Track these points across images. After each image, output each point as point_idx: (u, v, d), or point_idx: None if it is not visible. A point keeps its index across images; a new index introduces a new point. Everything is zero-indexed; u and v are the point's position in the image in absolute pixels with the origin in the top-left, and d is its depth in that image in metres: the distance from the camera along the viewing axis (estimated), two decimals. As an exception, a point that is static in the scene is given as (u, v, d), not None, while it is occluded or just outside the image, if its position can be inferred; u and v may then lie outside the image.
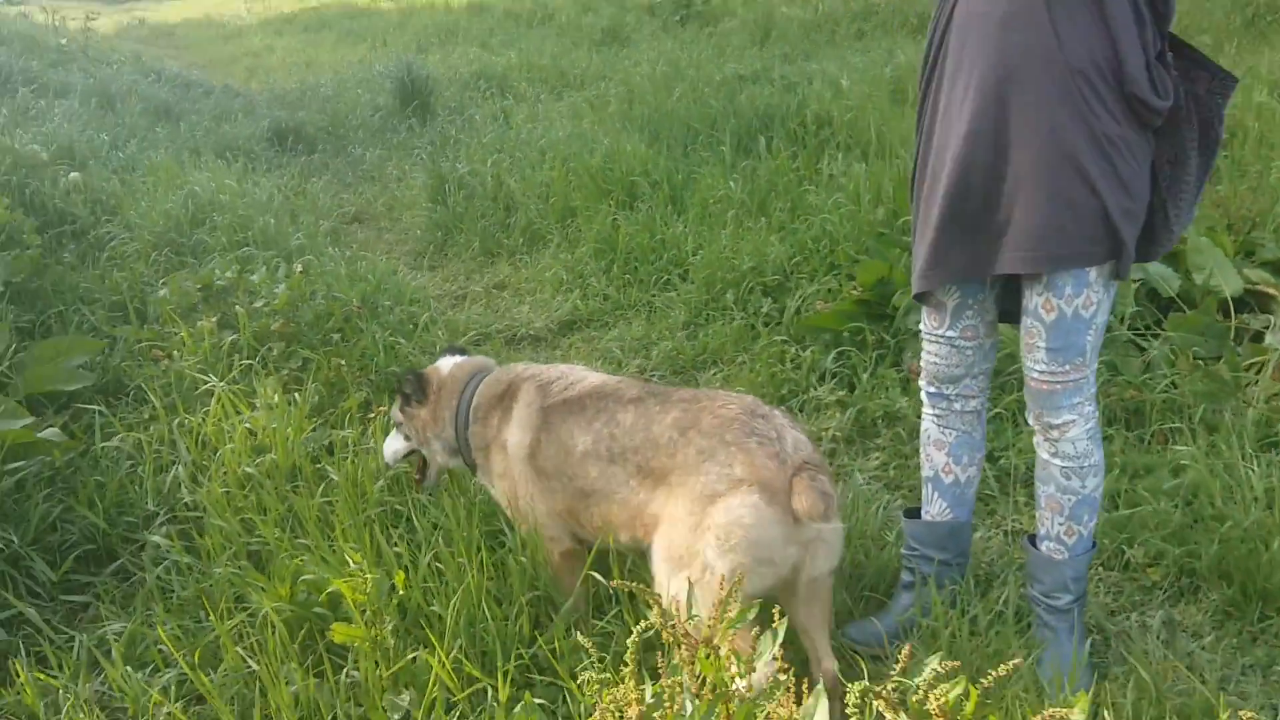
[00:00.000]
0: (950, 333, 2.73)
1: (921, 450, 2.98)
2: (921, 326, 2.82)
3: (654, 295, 5.54)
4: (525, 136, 8.30)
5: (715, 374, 4.67)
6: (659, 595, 2.23)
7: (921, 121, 2.65)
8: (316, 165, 8.87)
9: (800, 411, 4.26)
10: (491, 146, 8.15)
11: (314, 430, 3.70)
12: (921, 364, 2.88)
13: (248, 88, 12.99)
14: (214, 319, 4.31)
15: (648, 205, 6.34)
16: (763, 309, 5.04)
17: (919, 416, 4.08)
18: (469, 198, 7.08)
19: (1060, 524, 2.75)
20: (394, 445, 3.24)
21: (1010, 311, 2.76)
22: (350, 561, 2.78)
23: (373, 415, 3.79)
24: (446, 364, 3.17)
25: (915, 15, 12.48)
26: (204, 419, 3.71)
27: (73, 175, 6.80)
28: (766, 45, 12.06)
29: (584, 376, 2.90)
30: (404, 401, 3.13)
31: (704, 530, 2.35)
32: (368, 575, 2.57)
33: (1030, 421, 2.73)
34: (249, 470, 3.37)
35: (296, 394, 3.98)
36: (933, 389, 2.87)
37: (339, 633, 2.55)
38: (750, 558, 2.31)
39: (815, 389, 4.37)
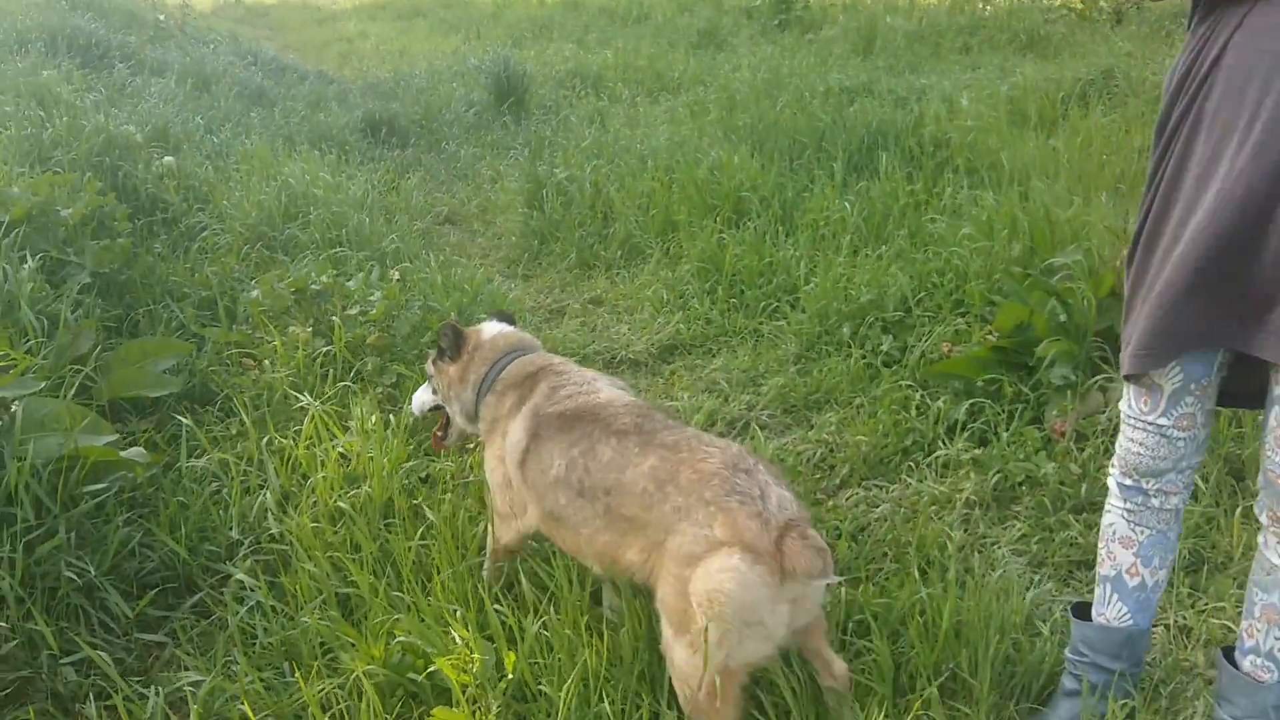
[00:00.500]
0: (1163, 420, 2.37)
1: (1102, 544, 2.61)
2: (1124, 409, 2.46)
3: (761, 322, 5.20)
4: (624, 142, 8.01)
5: (830, 416, 4.32)
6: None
7: (1160, 171, 2.27)
8: (410, 160, 8.67)
9: (929, 469, 3.90)
10: (589, 151, 7.88)
11: (410, 460, 3.43)
12: (1118, 452, 2.50)
13: (341, 75, 12.90)
14: (308, 327, 4.06)
15: (756, 224, 6.00)
16: (882, 346, 4.67)
17: (1063, 483, 3.77)
18: (566, 205, 6.80)
19: (1276, 639, 2.36)
20: (423, 396, 3.21)
21: (1228, 394, 2.39)
22: (451, 627, 2.49)
23: (471, 445, 3.51)
24: (491, 329, 3.09)
25: (1024, 32, 11.97)
26: (295, 439, 3.46)
27: (167, 160, 6.66)
28: (869, 56, 11.63)
29: (595, 390, 2.78)
30: (438, 354, 3.05)
31: (690, 596, 2.25)
32: (474, 655, 2.28)
33: (1262, 518, 2.34)
34: (341, 505, 3.11)
35: (391, 415, 3.72)
36: (1128, 481, 2.50)
37: (441, 718, 2.27)
38: (738, 623, 2.21)
39: (945, 444, 4.01)
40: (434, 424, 3.31)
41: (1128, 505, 2.51)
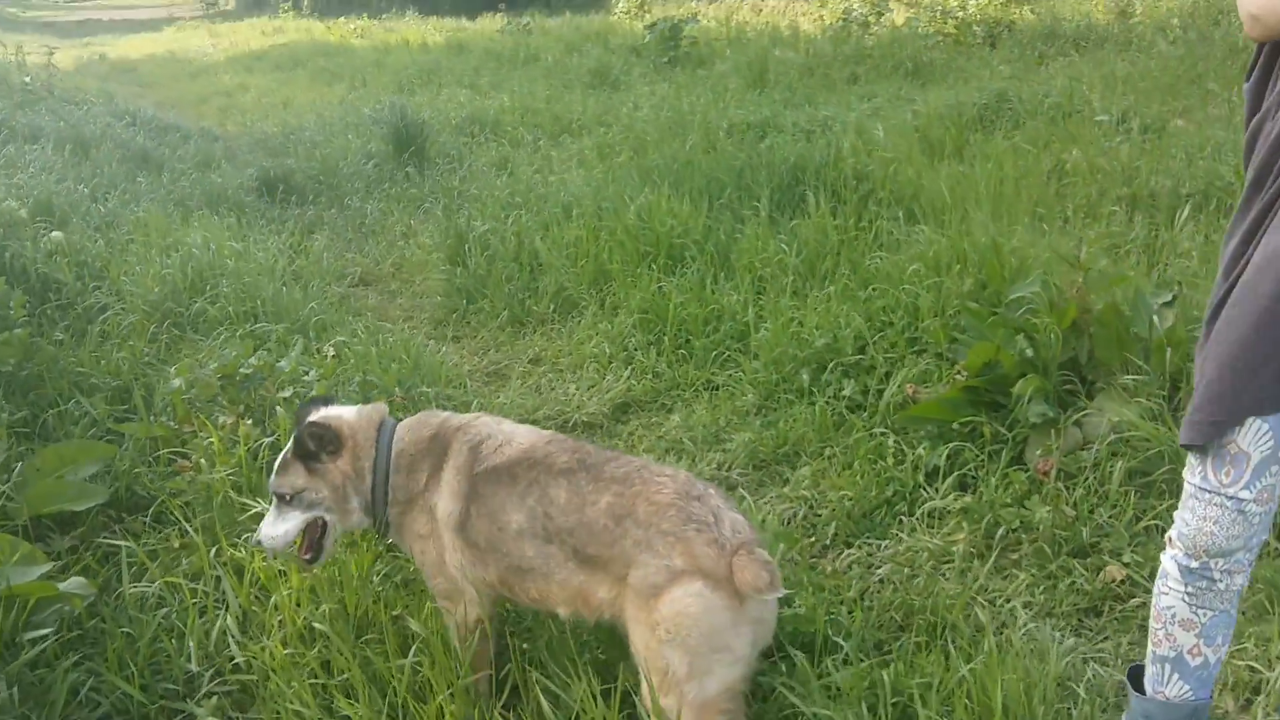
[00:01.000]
0: (1244, 493, 2.16)
1: (1159, 625, 2.41)
2: (1195, 482, 2.24)
3: (714, 373, 5.03)
4: (541, 189, 7.79)
5: (804, 470, 4.16)
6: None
7: (1242, 230, 2.12)
8: (313, 219, 8.27)
9: (915, 520, 3.76)
10: (505, 200, 7.63)
11: (378, 563, 3.13)
12: (1182, 530, 2.29)
13: (226, 131, 12.37)
14: (243, 417, 3.72)
15: (692, 269, 5.84)
16: (844, 391, 4.55)
17: (1057, 527, 3.67)
18: (490, 259, 6.54)
19: None
20: (283, 525, 2.70)
21: None
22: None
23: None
24: (345, 411, 2.84)
25: (908, 59, 12.22)
26: (249, 550, 3.11)
27: (55, 235, 6.18)
28: (764, 90, 11.67)
29: (512, 434, 2.74)
30: (310, 458, 2.69)
31: (655, 628, 2.30)
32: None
33: None
34: (316, 624, 2.79)
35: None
36: (1194, 564, 2.28)
37: None
38: (706, 647, 2.28)
39: (928, 491, 3.88)
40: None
41: (1189, 589, 2.31)
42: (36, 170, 7.91)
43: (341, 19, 26.92)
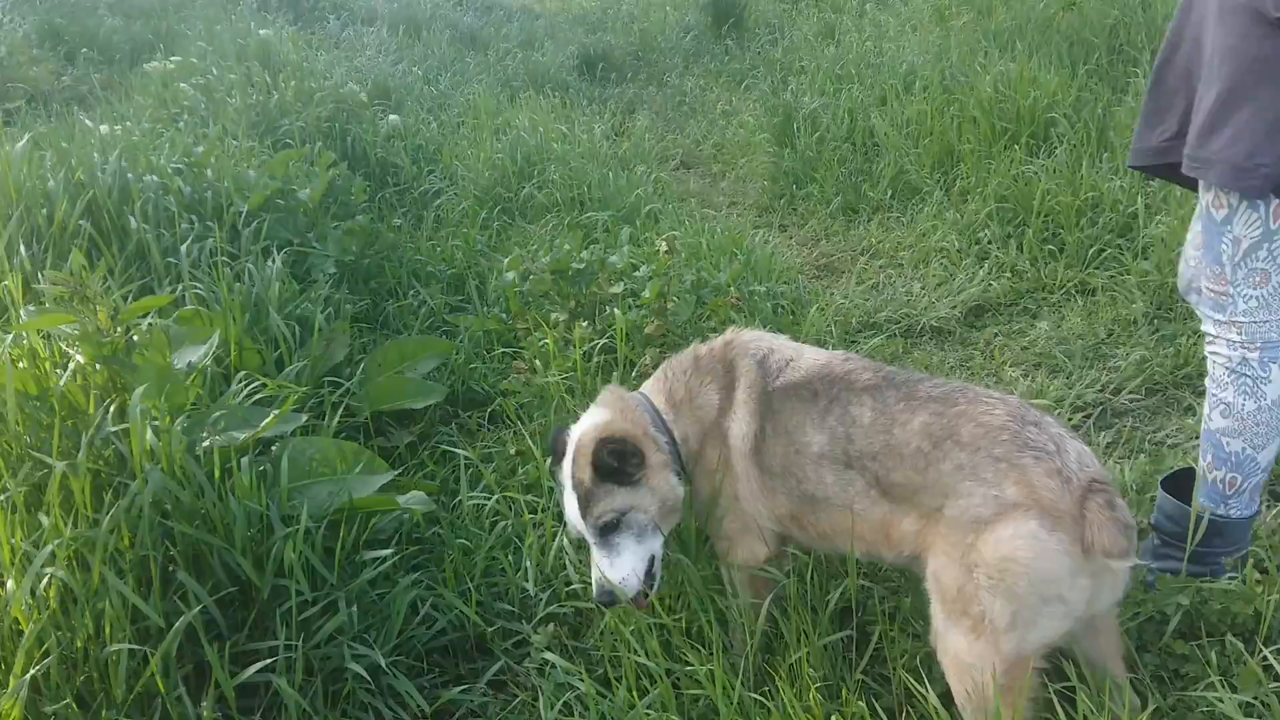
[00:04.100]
0: None
1: None
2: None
3: (1090, 274, 4.32)
4: (874, 59, 7.09)
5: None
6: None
7: None
8: (633, 98, 8.03)
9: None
10: (833, 73, 7.01)
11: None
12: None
13: (545, 8, 12.36)
14: (584, 323, 3.51)
15: (1063, 148, 5.05)
16: (1263, 304, 3.73)
17: None
18: (820, 140, 6.01)
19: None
20: (623, 561, 2.24)
21: None
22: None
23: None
24: (600, 416, 2.37)
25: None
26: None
27: (392, 118, 6.29)
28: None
29: (799, 349, 2.41)
30: (622, 477, 2.25)
31: (973, 569, 1.92)
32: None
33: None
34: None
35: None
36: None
37: None
38: (1035, 598, 1.88)
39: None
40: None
41: None
42: (374, 53, 8.13)
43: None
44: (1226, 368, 2.42)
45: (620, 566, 2.23)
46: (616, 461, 2.24)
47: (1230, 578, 2.47)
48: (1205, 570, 2.49)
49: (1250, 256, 2.30)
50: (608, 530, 2.25)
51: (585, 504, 2.25)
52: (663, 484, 2.28)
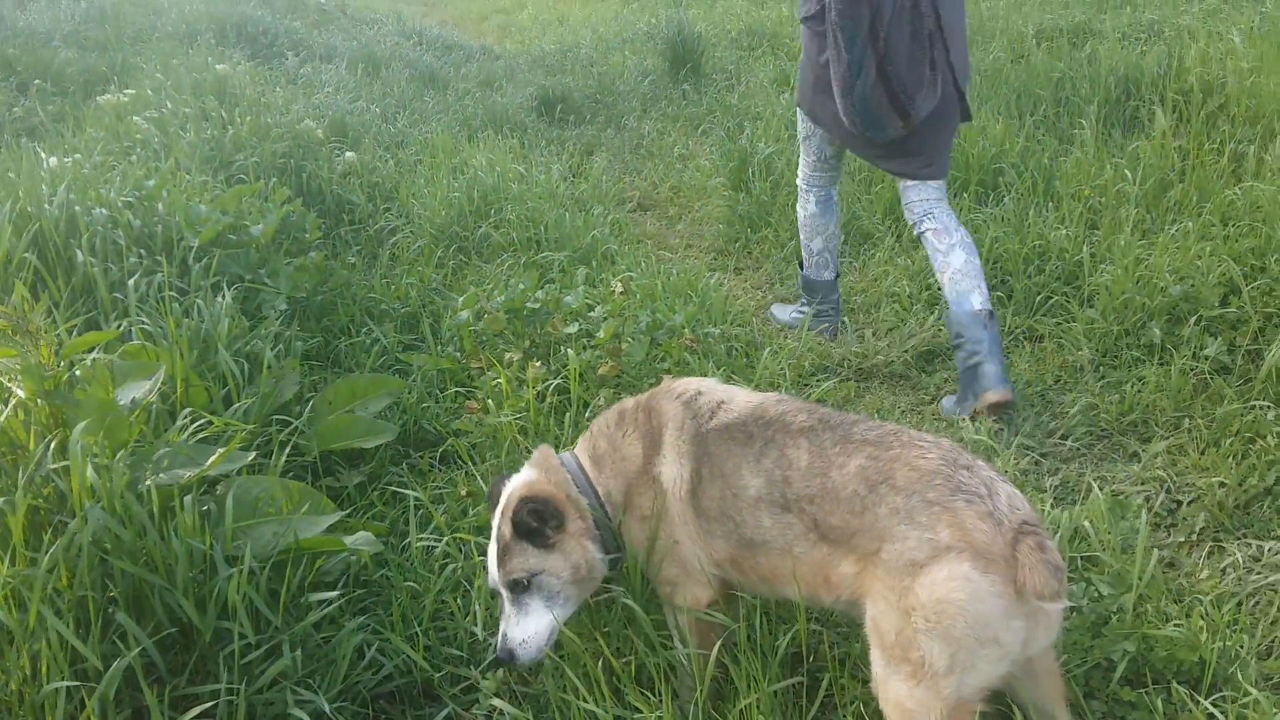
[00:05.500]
0: None
1: None
2: None
3: (1037, 321, 4.40)
4: (828, 108, 7.19)
5: (1160, 444, 3.52)
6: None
7: None
8: (590, 140, 8.08)
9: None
10: (788, 120, 7.10)
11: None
12: None
13: (505, 49, 12.44)
14: (537, 363, 3.50)
15: (1010, 197, 5.16)
16: (1206, 351, 3.82)
17: None
18: (775, 184, 6.08)
19: None
20: (534, 626, 2.28)
21: None
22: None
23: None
24: (530, 473, 2.45)
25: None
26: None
27: (349, 155, 6.27)
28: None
29: (731, 393, 2.43)
30: (540, 537, 2.30)
31: (910, 612, 1.94)
32: None
33: None
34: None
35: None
36: None
37: None
38: (972, 640, 1.90)
39: (1326, 483, 3.17)
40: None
41: None
42: (332, 90, 8.12)
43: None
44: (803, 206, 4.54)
45: (524, 627, 2.29)
46: (535, 521, 2.27)
47: None
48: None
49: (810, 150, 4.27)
50: (516, 588, 2.29)
51: (501, 558, 2.29)
52: (577, 551, 2.31)
